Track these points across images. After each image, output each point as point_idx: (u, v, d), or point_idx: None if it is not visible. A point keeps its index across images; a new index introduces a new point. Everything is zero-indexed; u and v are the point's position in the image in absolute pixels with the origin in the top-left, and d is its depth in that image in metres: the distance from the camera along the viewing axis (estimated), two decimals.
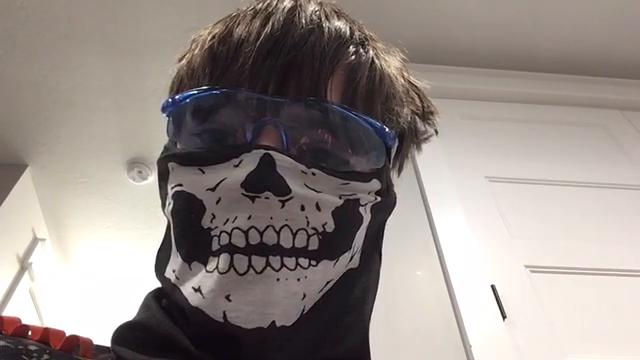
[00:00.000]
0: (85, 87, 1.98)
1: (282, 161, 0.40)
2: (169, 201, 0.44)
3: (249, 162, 0.39)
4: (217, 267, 0.38)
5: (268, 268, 0.38)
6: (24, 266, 2.23)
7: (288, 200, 0.39)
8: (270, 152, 0.40)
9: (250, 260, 0.38)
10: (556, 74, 1.85)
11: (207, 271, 0.39)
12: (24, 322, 0.41)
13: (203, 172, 0.41)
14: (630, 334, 1.28)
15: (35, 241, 2.32)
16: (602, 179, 1.61)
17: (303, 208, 0.40)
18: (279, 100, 0.41)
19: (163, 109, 0.46)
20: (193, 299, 0.39)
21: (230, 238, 0.38)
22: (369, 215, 0.45)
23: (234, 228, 0.38)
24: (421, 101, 0.53)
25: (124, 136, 2.18)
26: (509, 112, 1.78)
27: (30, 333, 0.41)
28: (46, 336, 0.40)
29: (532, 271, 1.36)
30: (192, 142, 0.44)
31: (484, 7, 1.71)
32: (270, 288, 0.38)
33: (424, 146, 1.82)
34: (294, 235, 0.39)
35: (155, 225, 2.40)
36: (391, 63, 0.50)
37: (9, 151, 2.16)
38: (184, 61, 0.49)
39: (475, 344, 1.21)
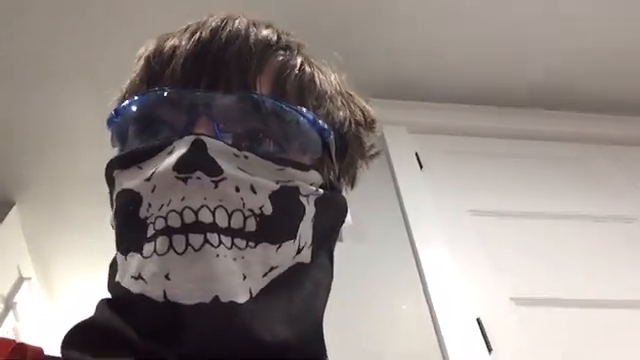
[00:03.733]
0: (73, 124, 1.99)
1: (213, 144, 0.41)
2: (113, 208, 0.45)
3: (181, 147, 0.40)
4: (155, 250, 0.38)
5: (207, 245, 0.38)
6: (9, 305, 2.20)
7: (221, 181, 0.40)
8: (201, 137, 0.41)
9: (187, 238, 0.38)
10: (536, 109, 1.88)
11: (144, 257, 0.39)
12: None
13: (141, 168, 0.42)
14: None
15: (21, 280, 2.30)
16: (584, 211, 1.64)
17: (238, 189, 0.40)
18: (210, 93, 0.43)
19: (108, 123, 0.48)
20: (134, 287, 0.38)
21: (166, 221, 0.38)
22: (313, 208, 0.45)
23: (169, 211, 0.39)
24: (362, 112, 0.54)
25: None
26: (491, 147, 1.81)
27: None
28: None
29: (517, 303, 1.37)
30: (135, 147, 0.45)
31: (465, 45, 1.75)
32: (210, 264, 0.38)
33: (409, 181, 1.80)
34: (230, 215, 0.40)
35: None
36: (322, 70, 0.52)
37: None
38: (126, 82, 0.51)
39: None
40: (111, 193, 0.46)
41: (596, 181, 1.74)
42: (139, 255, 0.39)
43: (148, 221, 0.40)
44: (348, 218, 1.60)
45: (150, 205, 0.40)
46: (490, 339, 1.28)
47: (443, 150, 1.75)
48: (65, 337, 0.41)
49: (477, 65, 1.81)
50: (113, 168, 0.45)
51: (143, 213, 0.40)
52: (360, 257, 1.43)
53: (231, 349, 0.37)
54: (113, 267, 0.44)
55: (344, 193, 0.54)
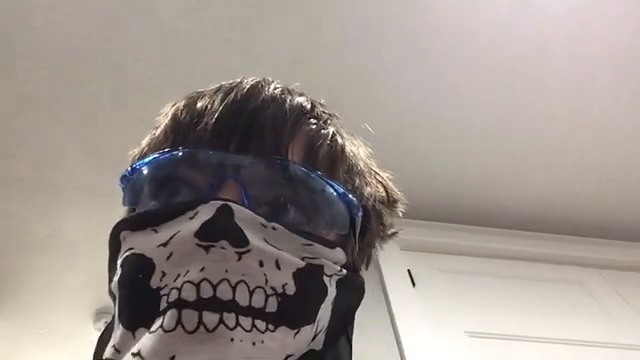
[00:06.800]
0: (60, 234, 1.95)
1: (241, 212, 0.37)
2: (117, 273, 0.40)
3: (205, 212, 0.37)
4: (162, 325, 0.33)
5: (221, 326, 0.33)
6: None
7: (246, 253, 0.36)
8: (229, 203, 0.37)
9: (201, 316, 0.33)
10: (534, 232, 1.87)
11: (150, 332, 0.34)
12: None
13: (156, 231, 0.38)
14: None
15: None
16: (581, 336, 1.56)
17: (262, 264, 0.37)
18: (240, 157, 0.41)
19: (121, 180, 0.45)
20: None
21: (180, 293, 0.34)
22: (334, 289, 0.41)
23: (185, 282, 0.34)
24: (385, 190, 0.51)
25: (94, 285, 2.11)
26: (484, 267, 1.77)
27: None
28: None
29: None
30: (150, 206, 0.42)
31: (462, 165, 1.77)
32: (223, 349, 0.33)
33: (402, 298, 1.73)
34: (251, 293, 0.35)
35: None
36: (353, 143, 0.50)
37: None
38: (147, 137, 0.48)
39: None
40: (113, 259, 0.42)
41: (593, 305, 1.69)
42: (147, 332, 0.34)
43: (162, 292, 0.35)
44: None
45: (164, 274, 0.36)
46: None
47: (435, 268, 1.71)
48: None
49: (473, 186, 1.82)
50: (121, 229, 0.41)
51: (155, 283, 0.36)
52: None
53: None
54: (105, 338, 0.39)
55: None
